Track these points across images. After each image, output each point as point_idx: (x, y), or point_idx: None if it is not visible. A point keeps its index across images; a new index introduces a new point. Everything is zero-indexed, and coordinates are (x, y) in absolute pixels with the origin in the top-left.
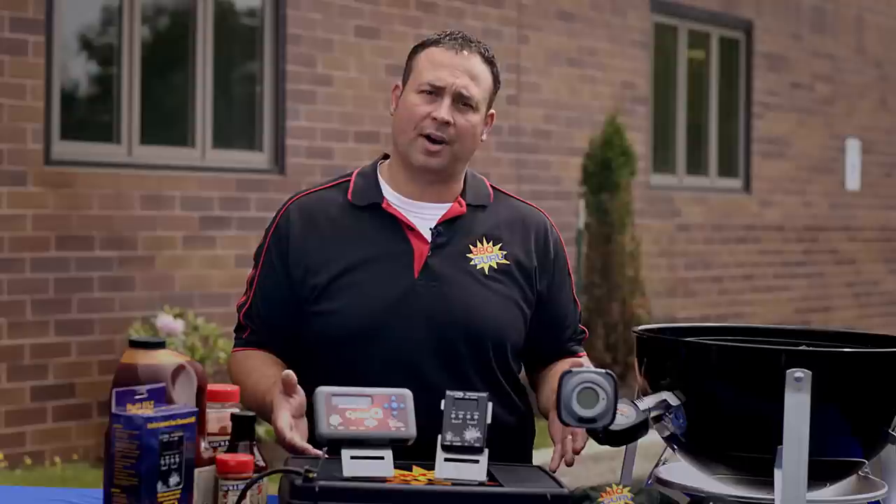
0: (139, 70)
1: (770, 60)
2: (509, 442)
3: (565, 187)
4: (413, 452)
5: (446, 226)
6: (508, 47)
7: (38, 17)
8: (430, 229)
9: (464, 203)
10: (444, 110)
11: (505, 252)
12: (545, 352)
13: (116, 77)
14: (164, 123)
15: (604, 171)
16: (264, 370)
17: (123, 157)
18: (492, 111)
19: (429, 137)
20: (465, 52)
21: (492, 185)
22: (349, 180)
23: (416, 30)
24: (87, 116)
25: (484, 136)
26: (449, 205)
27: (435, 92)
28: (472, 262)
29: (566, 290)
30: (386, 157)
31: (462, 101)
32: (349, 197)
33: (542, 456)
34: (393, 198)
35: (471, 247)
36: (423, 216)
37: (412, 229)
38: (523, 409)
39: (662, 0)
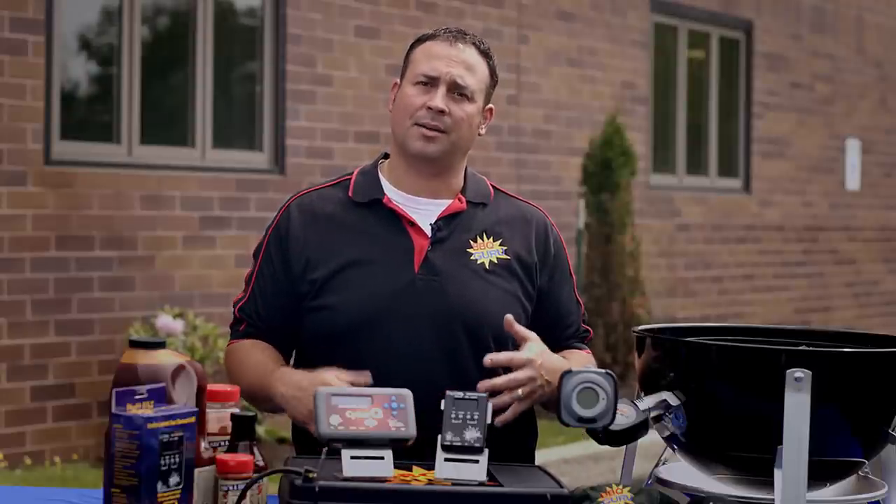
0: (139, 70)
1: (770, 60)
2: (511, 441)
3: (565, 187)
4: (414, 447)
5: (446, 221)
6: (508, 47)
7: (38, 17)
8: (431, 224)
9: (464, 199)
10: (438, 99)
11: (505, 248)
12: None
13: (116, 77)
14: (164, 123)
15: (604, 171)
16: (264, 355)
17: (123, 157)
18: (490, 105)
19: (425, 127)
20: (460, 45)
21: (492, 185)
22: (349, 178)
23: (415, 30)
24: (87, 116)
25: (482, 131)
26: (449, 201)
27: (430, 82)
28: (472, 257)
29: (567, 289)
30: (387, 156)
31: (457, 91)
32: (350, 194)
33: (543, 456)
34: (393, 194)
35: (471, 242)
36: (424, 212)
37: (413, 224)
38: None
39: (662, 0)
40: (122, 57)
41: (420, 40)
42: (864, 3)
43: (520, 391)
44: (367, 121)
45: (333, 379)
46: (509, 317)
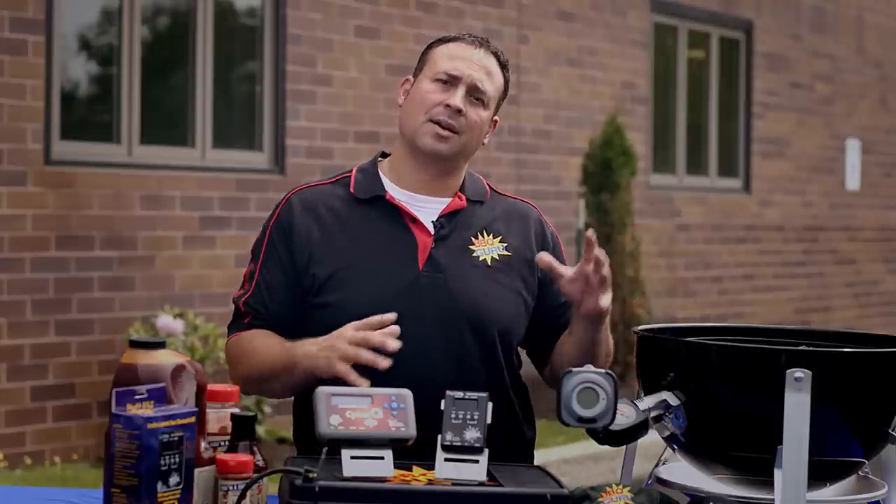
0: (139, 70)
1: (770, 60)
2: (510, 440)
3: (565, 187)
4: (416, 445)
5: (448, 218)
6: (508, 47)
7: (38, 17)
8: (433, 221)
9: (463, 197)
10: (458, 98)
11: (505, 244)
12: (551, 339)
13: (116, 77)
14: (164, 123)
15: (604, 171)
16: (276, 338)
17: (123, 157)
18: (496, 118)
19: (439, 124)
20: (483, 51)
21: (487, 184)
22: (349, 176)
23: (416, 30)
24: (87, 116)
25: (486, 140)
26: (449, 199)
27: (450, 81)
28: (474, 254)
29: None
30: (383, 155)
31: (475, 95)
32: (351, 190)
33: (543, 456)
34: (394, 191)
35: (472, 239)
36: (424, 209)
37: (415, 221)
38: (525, 406)
39: (662, 0)
40: (122, 57)
41: (442, 41)
42: (864, 3)
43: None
44: (367, 121)
45: (348, 328)
46: (543, 254)
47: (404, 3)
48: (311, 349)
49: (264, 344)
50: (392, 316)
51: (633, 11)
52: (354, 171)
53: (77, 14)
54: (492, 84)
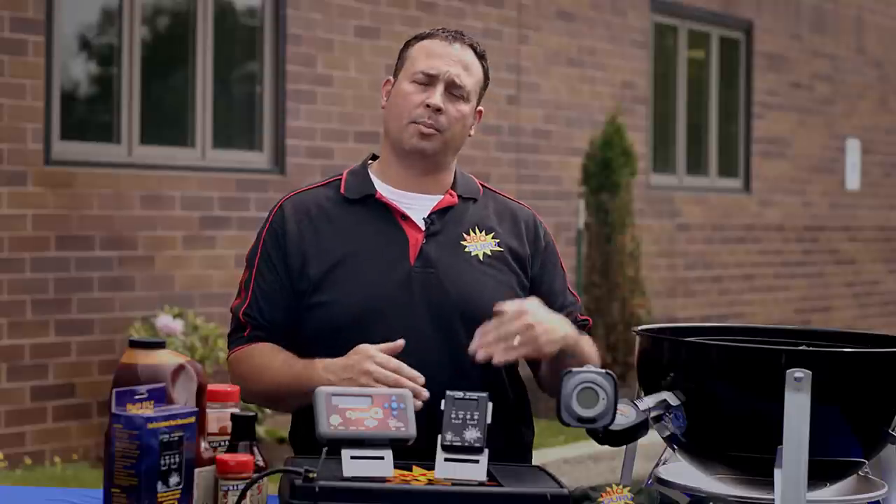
0: (139, 70)
1: (770, 60)
2: (507, 437)
3: (565, 187)
4: (416, 443)
5: (439, 215)
6: (508, 47)
7: (38, 17)
8: (424, 218)
9: (455, 194)
10: (437, 97)
11: (497, 240)
12: None
13: (116, 77)
14: (164, 123)
15: (604, 171)
16: (286, 355)
17: (123, 157)
18: (480, 108)
19: (422, 124)
20: (458, 45)
21: (480, 183)
22: (340, 179)
23: (416, 30)
24: (87, 116)
25: (472, 132)
26: (440, 196)
27: (428, 81)
28: (466, 250)
29: (560, 279)
30: (373, 158)
31: (454, 91)
32: (342, 191)
33: (543, 456)
34: (385, 191)
35: (464, 235)
36: (416, 207)
37: (406, 218)
38: (522, 404)
39: (662, 0)
40: (122, 57)
41: (417, 38)
42: (864, 3)
43: (515, 341)
44: (367, 121)
45: (372, 350)
46: (498, 304)
47: (404, 3)
48: (330, 378)
49: (272, 364)
50: (401, 343)
51: (633, 11)
52: (345, 174)
53: (77, 14)
54: (470, 77)
